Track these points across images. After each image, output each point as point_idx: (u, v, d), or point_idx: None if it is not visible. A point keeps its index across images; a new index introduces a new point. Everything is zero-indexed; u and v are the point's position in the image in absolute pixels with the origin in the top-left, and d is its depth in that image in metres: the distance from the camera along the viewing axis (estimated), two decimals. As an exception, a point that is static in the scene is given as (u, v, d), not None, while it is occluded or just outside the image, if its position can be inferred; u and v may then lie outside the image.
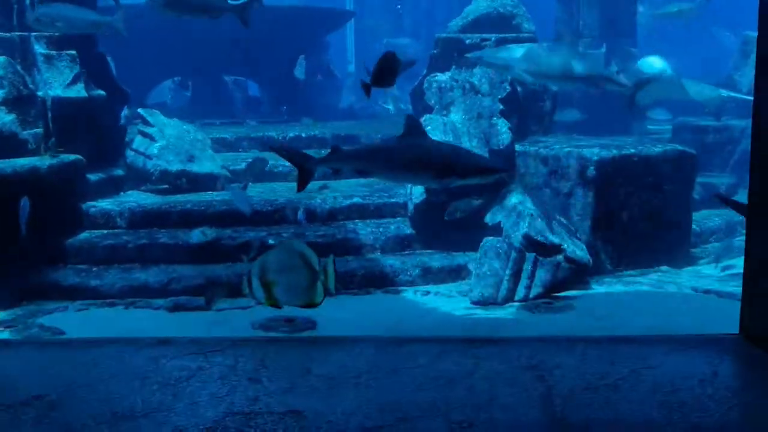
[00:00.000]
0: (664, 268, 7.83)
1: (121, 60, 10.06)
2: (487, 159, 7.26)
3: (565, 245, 7.31)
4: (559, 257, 7.22)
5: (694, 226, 8.42)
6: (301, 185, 5.25)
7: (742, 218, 5.10)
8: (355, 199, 8.32)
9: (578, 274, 7.36)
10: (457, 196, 7.87)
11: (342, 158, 5.30)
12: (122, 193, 8.59)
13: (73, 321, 6.48)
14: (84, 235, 7.64)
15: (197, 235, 7.40)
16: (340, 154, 5.28)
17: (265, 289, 3.39)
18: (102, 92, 8.51)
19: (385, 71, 5.55)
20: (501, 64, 7.67)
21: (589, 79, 7.30)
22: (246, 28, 6.55)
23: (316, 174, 5.42)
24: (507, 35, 9.44)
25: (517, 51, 7.56)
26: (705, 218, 8.98)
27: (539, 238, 7.22)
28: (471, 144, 8.06)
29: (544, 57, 7.43)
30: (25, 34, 8.23)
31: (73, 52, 8.30)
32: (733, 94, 10.31)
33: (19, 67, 8.04)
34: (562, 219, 7.79)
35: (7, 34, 8.21)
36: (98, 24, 7.60)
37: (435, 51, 9.51)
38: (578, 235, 7.70)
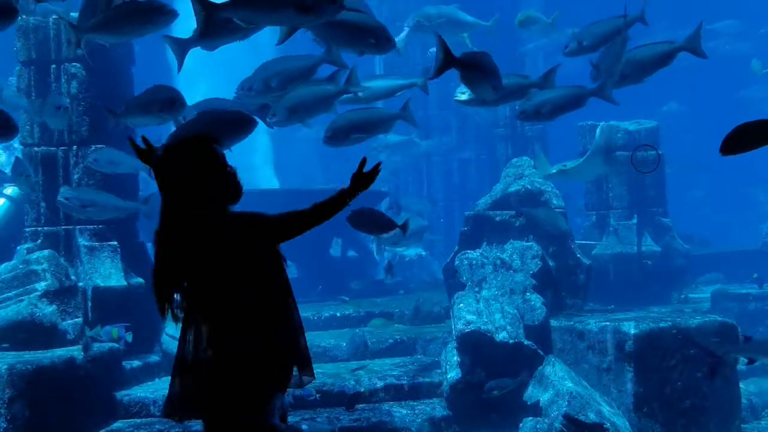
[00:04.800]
0: (714, 446, 7.45)
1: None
2: None
3: (608, 424, 7.03)
4: (603, 437, 6.92)
5: (744, 400, 8.07)
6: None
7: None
8: (390, 380, 8.19)
9: (624, 455, 7.02)
10: (494, 374, 7.72)
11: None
12: (157, 379, 8.59)
13: None
14: (117, 425, 7.57)
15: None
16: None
17: None
18: (141, 280, 8.74)
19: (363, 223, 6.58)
20: None
21: None
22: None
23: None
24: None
25: None
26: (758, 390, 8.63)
27: (580, 417, 6.97)
28: (504, 321, 8.00)
29: None
30: (70, 227, 8.62)
31: (115, 242, 8.63)
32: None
33: (62, 260, 8.36)
34: (603, 396, 7.54)
35: (53, 228, 8.61)
36: (126, 210, 7.99)
37: (465, 228, 9.66)
38: (620, 413, 7.41)
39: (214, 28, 5.73)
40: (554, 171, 9.55)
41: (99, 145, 8.61)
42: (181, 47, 6.17)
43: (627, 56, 6.46)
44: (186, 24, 5.98)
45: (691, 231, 14.43)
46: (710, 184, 23.65)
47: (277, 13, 5.27)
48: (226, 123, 5.95)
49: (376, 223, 6.87)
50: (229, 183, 3.56)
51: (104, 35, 6.08)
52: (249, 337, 3.47)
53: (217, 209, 3.53)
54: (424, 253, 14.98)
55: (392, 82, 7.23)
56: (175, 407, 3.54)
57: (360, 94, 6.65)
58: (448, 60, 5.69)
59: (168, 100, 6.29)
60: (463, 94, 6.68)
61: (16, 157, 8.60)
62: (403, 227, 7.16)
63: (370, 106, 6.90)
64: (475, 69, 5.86)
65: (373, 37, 5.88)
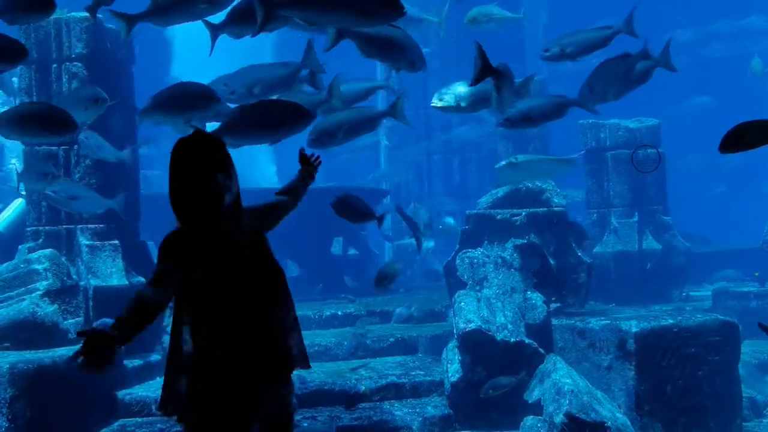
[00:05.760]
0: (717, 445, 7.45)
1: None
2: None
3: (609, 423, 7.03)
4: (604, 436, 6.92)
5: (744, 399, 8.06)
6: None
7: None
8: (391, 379, 8.19)
9: (625, 454, 7.02)
10: (495, 373, 7.73)
11: None
12: (158, 378, 8.58)
13: None
14: (118, 423, 7.58)
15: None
16: None
17: None
18: (142, 279, 8.72)
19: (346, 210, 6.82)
20: None
21: None
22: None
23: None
24: (537, 210, 9.62)
25: None
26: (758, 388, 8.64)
27: (581, 416, 6.97)
28: (505, 320, 8.01)
29: None
30: (71, 226, 8.62)
31: (116, 242, 8.63)
32: None
33: (63, 259, 8.37)
34: (604, 395, 7.54)
35: (55, 227, 8.61)
36: (103, 206, 8.07)
37: (467, 227, 9.66)
38: (622, 411, 7.42)
39: (242, 18, 5.72)
40: (504, 163, 9.26)
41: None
42: (213, 31, 6.15)
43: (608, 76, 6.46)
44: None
45: (693, 229, 14.40)
46: (732, 179, 23.52)
47: (336, 14, 5.23)
48: (285, 114, 5.92)
49: (357, 211, 6.96)
50: (213, 192, 3.48)
51: (158, 20, 5.98)
52: (236, 335, 3.46)
53: (208, 214, 3.50)
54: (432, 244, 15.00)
55: (363, 85, 7.13)
56: (165, 403, 3.53)
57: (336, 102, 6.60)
58: (486, 69, 5.76)
59: (202, 96, 6.12)
60: (440, 100, 6.68)
61: (33, 155, 8.54)
62: (380, 219, 7.25)
63: (357, 106, 6.83)
64: (504, 79, 5.95)
65: (410, 55, 5.94)
